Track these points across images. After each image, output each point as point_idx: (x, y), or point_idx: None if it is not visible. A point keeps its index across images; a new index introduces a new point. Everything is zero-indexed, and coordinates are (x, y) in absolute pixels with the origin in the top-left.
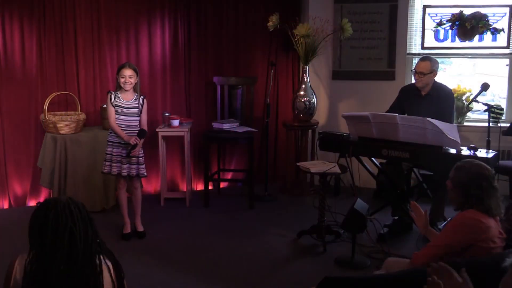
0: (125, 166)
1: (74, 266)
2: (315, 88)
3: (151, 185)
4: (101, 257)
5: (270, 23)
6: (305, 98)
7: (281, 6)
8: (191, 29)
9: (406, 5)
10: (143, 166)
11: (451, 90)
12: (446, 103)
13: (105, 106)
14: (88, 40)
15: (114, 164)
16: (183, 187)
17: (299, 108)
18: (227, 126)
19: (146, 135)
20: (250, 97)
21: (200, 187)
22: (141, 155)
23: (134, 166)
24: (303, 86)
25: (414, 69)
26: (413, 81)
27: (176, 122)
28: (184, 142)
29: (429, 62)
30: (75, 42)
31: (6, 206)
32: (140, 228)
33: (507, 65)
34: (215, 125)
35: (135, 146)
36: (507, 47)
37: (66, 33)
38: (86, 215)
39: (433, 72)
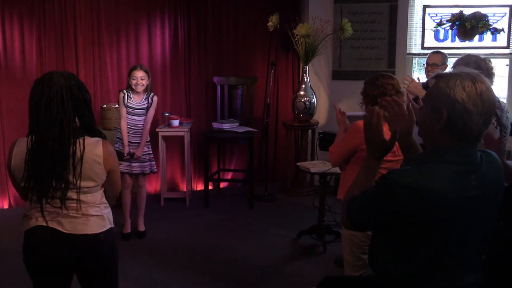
0: (135, 164)
1: (62, 146)
2: (315, 88)
3: (151, 185)
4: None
5: (270, 23)
6: (305, 98)
7: (281, 6)
8: (191, 29)
9: (406, 5)
10: (154, 162)
11: None
12: None
13: (105, 106)
14: (88, 40)
15: (122, 163)
16: (183, 187)
17: (299, 108)
18: (227, 126)
19: (133, 156)
20: (250, 97)
21: (200, 187)
22: (151, 152)
23: (146, 164)
24: (303, 86)
25: (426, 62)
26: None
27: (176, 122)
28: (184, 142)
29: (440, 55)
30: (75, 42)
31: (6, 206)
32: (141, 228)
33: (507, 65)
34: (215, 125)
35: (132, 154)
36: (507, 47)
37: (66, 33)
38: (79, 99)
39: (444, 64)
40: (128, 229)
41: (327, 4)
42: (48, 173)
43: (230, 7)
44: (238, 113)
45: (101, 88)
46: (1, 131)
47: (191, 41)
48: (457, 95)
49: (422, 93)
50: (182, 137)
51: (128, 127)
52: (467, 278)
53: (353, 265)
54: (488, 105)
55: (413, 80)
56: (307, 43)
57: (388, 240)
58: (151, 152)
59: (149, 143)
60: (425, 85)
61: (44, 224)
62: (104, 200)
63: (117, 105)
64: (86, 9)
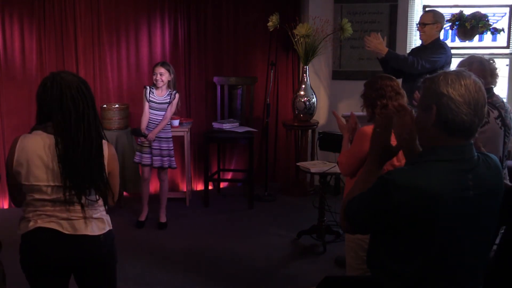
0: (157, 158)
1: (90, 143)
2: (315, 88)
3: (151, 185)
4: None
5: (270, 23)
6: (305, 98)
7: (281, 6)
8: (191, 29)
9: (406, 5)
10: (173, 158)
11: (446, 46)
12: (431, 51)
13: (105, 106)
14: (88, 40)
15: (145, 155)
16: (183, 187)
17: (299, 108)
18: (227, 126)
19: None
20: (250, 97)
21: (200, 187)
22: (171, 148)
23: (166, 158)
24: (303, 86)
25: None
26: None
27: (176, 122)
28: (184, 142)
29: (431, 13)
30: (75, 42)
31: (6, 206)
32: (163, 219)
33: (507, 65)
34: (215, 125)
35: (145, 135)
36: (507, 47)
37: (66, 33)
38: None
39: (436, 23)
40: (143, 217)
41: (327, 4)
42: (85, 170)
43: (230, 7)
44: (238, 113)
45: (101, 88)
46: (1, 131)
47: (191, 41)
48: (442, 88)
49: (384, 50)
50: (182, 137)
51: (148, 122)
52: (467, 281)
53: (356, 268)
54: (476, 96)
55: (371, 40)
56: (307, 43)
57: (385, 240)
58: (172, 148)
59: (171, 139)
60: (416, 48)
61: (44, 226)
62: (101, 202)
63: (117, 105)
64: (86, 9)
